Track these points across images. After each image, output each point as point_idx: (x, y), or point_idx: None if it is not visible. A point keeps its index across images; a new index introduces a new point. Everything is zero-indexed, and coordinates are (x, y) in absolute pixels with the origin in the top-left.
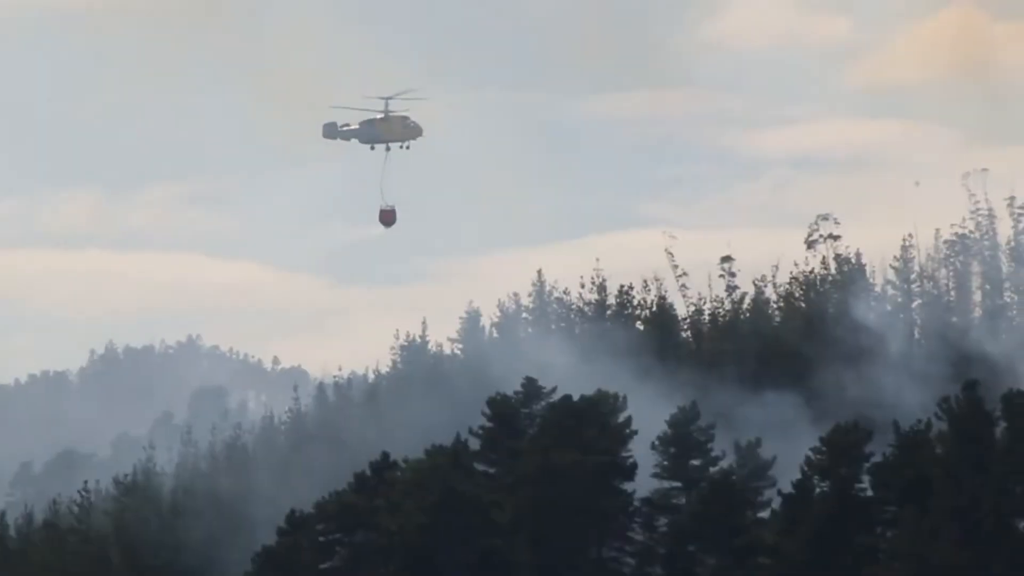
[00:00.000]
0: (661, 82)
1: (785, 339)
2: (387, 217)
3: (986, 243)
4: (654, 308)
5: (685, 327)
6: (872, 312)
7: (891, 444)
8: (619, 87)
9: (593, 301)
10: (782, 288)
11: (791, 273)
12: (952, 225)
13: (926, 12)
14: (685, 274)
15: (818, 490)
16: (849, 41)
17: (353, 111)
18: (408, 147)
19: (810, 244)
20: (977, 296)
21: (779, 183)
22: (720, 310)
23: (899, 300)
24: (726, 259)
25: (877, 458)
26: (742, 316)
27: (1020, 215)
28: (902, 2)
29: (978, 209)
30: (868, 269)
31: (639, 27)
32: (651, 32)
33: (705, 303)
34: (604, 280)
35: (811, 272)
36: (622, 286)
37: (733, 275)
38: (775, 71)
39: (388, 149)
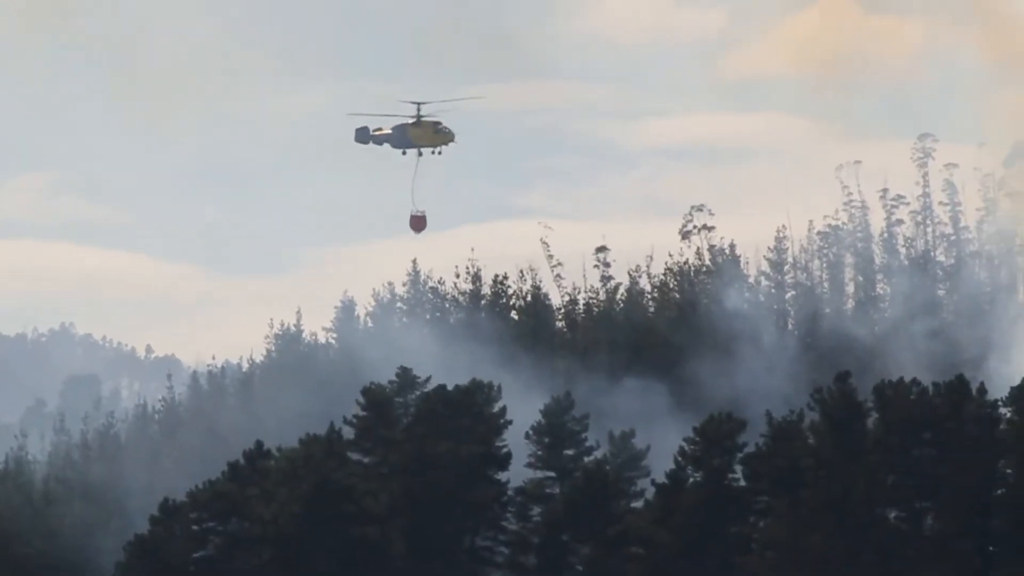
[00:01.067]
0: (536, 73)
1: (659, 329)
2: (418, 223)
3: (859, 235)
4: (528, 298)
5: (560, 317)
6: (746, 303)
7: (764, 434)
8: (493, 78)
9: (468, 291)
10: (656, 279)
11: (665, 264)
12: (825, 217)
13: (799, 5)
14: (560, 264)
15: (691, 480)
16: (723, 34)
17: (383, 117)
18: (440, 152)
19: (684, 235)
20: (850, 287)
21: (654, 174)
22: (594, 300)
23: (772, 291)
24: (601, 249)
25: (750, 448)
26: (616, 306)
27: (893, 207)
28: None
29: (851, 201)
30: (742, 260)
31: (514, 18)
32: (527, 23)
33: (579, 293)
34: (479, 270)
35: (685, 263)
36: (497, 276)
37: (608, 265)
38: (650, 63)
39: (420, 154)
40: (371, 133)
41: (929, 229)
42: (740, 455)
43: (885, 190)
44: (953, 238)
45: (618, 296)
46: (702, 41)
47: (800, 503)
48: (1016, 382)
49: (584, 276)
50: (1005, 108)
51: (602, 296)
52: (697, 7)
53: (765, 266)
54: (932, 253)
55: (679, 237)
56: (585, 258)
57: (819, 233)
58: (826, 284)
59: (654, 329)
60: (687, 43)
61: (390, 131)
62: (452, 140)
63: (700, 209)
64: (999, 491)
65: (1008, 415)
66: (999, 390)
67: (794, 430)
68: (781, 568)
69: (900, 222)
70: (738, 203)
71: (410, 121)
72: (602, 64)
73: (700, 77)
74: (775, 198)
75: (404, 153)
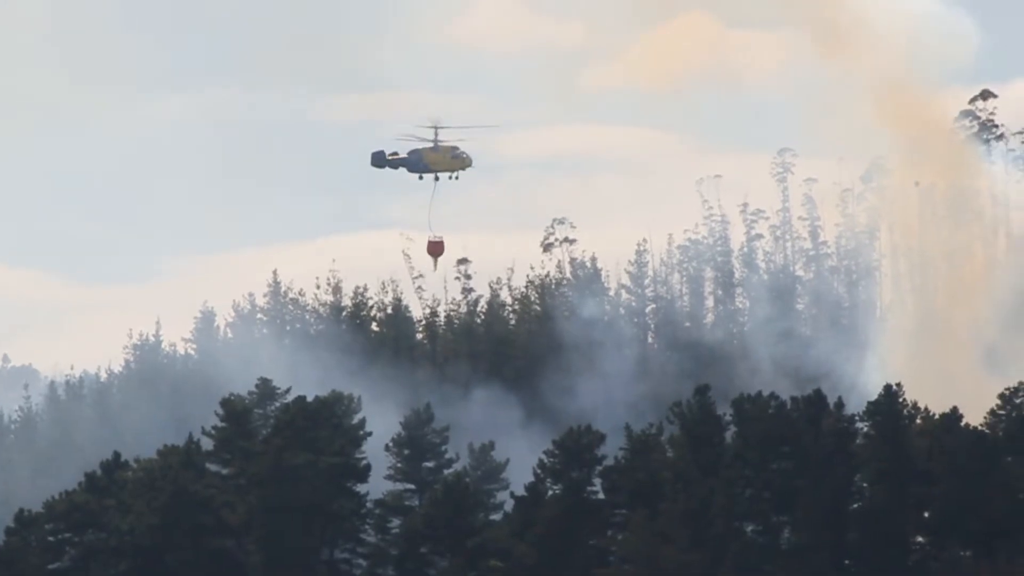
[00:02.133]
0: (399, 84)
1: (519, 342)
2: (435, 248)
3: (719, 248)
4: (389, 310)
5: (420, 329)
6: (606, 316)
7: (623, 447)
8: (357, 88)
9: (328, 302)
10: (517, 291)
11: (527, 276)
12: (685, 230)
13: (659, 19)
14: (421, 276)
15: (550, 492)
16: (583, 46)
17: (402, 141)
18: (457, 177)
19: (546, 247)
20: (710, 301)
21: (516, 187)
22: (455, 312)
23: (633, 304)
24: (462, 261)
25: (609, 461)
26: (477, 318)
27: (752, 221)
28: (637, 8)
29: (711, 215)
30: (603, 273)
31: (373, 30)
32: (385, 35)
33: (440, 305)
34: (340, 281)
35: (547, 275)
36: (357, 287)
37: (469, 277)
38: (513, 75)
39: (437, 179)
40: (387, 157)
41: (788, 243)
42: (599, 468)
43: (745, 204)
44: (812, 252)
45: (479, 308)
46: (563, 53)
47: (658, 516)
48: (873, 397)
49: (445, 288)
50: (863, 124)
51: (463, 308)
52: (556, 19)
53: (626, 279)
54: (791, 267)
55: (541, 250)
56: (446, 270)
57: (679, 247)
58: (686, 298)
59: (514, 341)
60: (548, 55)
61: (406, 155)
62: (470, 165)
63: (562, 222)
64: (855, 504)
65: (864, 429)
66: (856, 405)
67: (653, 443)
68: None
69: (760, 236)
70: (599, 216)
71: (428, 146)
72: (462, 76)
73: (561, 90)
74: (636, 212)
75: (421, 178)
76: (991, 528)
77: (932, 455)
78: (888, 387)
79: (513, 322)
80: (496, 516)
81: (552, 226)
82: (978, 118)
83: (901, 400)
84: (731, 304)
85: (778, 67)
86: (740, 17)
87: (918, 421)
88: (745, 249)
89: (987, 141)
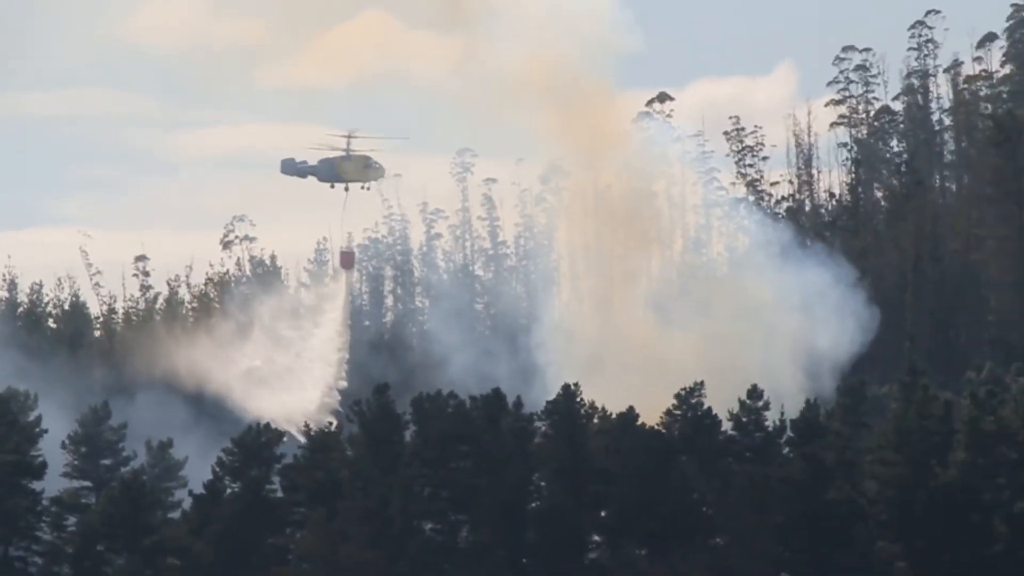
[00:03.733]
0: (72, 81)
1: (198, 340)
2: (348, 260)
3: (399, 248)
4: (66, 307)
5: (98, 326)
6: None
7: (301, 446)
8: (27, 85)
9: (3, 299)
10: (196, 288)
11: (206, 274)
12: (365, 229)
13: (338, 18)
14: (99, 273)
15: (229, 490)
16: (262, 44)
17: (313, 149)
18: (368, 188)
19: (225, 245)
20: (389, 300)
21: (195, 184)
22: (133, 310)
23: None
24: (140, 258)
25: (288, 459)
26: (155, 316)
27: (432, 221)
28: (317, 7)
29: (391, 214)
30: (283, 271)
31: (45, 24)
32: (58, 30)
33: (117, 302)
34: (15, 278)
35: (226, 273)
36: (33, 284)
37: (147, 275)
38: (192, 72)
39: (347, 189)
40: (296, 164)
41: (468, 243)
42: (278, 466)
43: (425, 204)
44: (491, 252)
45: (157, 306)
46: (241, 51)
47: (337, 514)
48: (551, 396)
49: (123, 285)
50: (542, 125)
51: (141, 305)
52: (235, 16)
53: (305, 277)
54: (471, 267)
55: (220, 247)
56: (124, 267)
57: (359, 245)
58: (365, 296)
59: (192, 340)
60: (229, 52)
61: (317, 164)
62: (382, 176)
63: (241, 220)
64: (533, 503)
65: (543, 429)
66: (534, 404)
67: (332, 441)
68: None
69: (439, 236)
70: (279, 214)
71: (339, 155)
72: (139, 73)
73: (242, 87)
74: (316, 210)
75: (332, 187)
76: (666, 527)
77: (609, 454)
78: (566, 387)
79: (192, 320)
80: (174, 514)
81: (231, 224)
82: (655, 119)
83: (579, 400)
84: (411, 303)
85: (457, 68)
86: (419, 18)
87: (595, 420)
88: (424, 248)
89: (664, 143)
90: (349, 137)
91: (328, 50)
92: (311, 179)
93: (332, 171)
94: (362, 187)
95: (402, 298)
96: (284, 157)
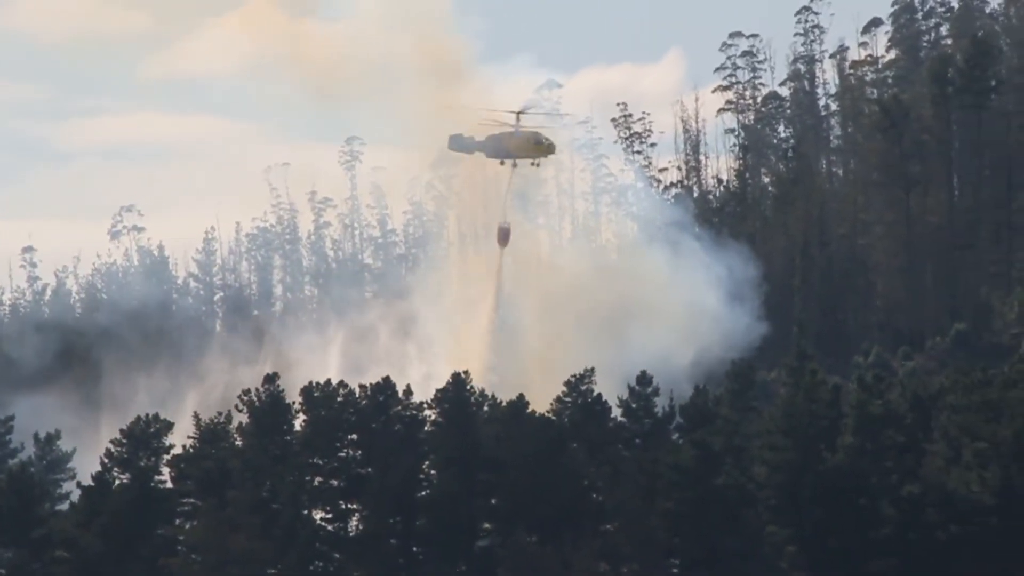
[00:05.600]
0: None
1: (86, 331)
2: (504, 236)
3: (287, 236)
4: None
5: None
6: (174, 304)
7: (191, 436)
8: None
9: None
10: (84, 279)
11: (93, 264)
12: (254, 219)
13: (225, 8)
14: None
15: (117, 482)
16: (150, 33)
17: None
18: (539, 164)
19: (113, 235)
20: (278, 289)
21: (84, 174)
22: (21, 300)
23: (202, 292)
24: (27, 249)
25: (177, 450)
26: (43, 306)
27: (321, 209)
28: None
29: (279, 203)
30: (171, 261)
31: None
32: None
33: (4, 293)
34: None
35: (113, 263)
36: None
37: (35, 265)
38: (78, 61)
39: (515, 165)
40: (464, 140)
41: (357, 232)
42: (167, 456)
43: (313, 192)
44: (380, 240)
45: (45, 296)
46: (130, 40)
47: (227, 504)
48: (440, 384)
49: (10, 276)
50: (430, 112)
51: (28, 296)
52: (123, 5)
53: (194, 267)
54: (360, 255)
55: (108, 237)
56: (11, 257)
57: (248, 234)
58: (255, 285)
59: (81, 330)
60: (115, 42)
61: (485, 140)
62: (552, 153)
63: (129, 210)
64: (423, 492)
65: (433, 417)
66: (425, 392)
67: (222, 431)
68: (206, 569)
69: (328, 224)
70: (168, 204)
71: (508, 131)
72: (27, 62)
73: (130, 76)
74: (204, 200)
75: (502, 163)
76: (556, 514)
77: (499, 442)
78: (456, 374)
79: (80, 311)
80: (62, 506)
81: (120, 214)
82: (544, 107)
83: (469, 387)
84: (300, 292)
85: (345, 56)
86: (305, 6)
87: (485, 408)
88: (313, 237)
89: (553, 130)
90: (519, 113)
91: (216, 40)
92: (478, 155)
93: (500, 147)
94: (532, 163)
95: (291, 286)
96: (453, 133)
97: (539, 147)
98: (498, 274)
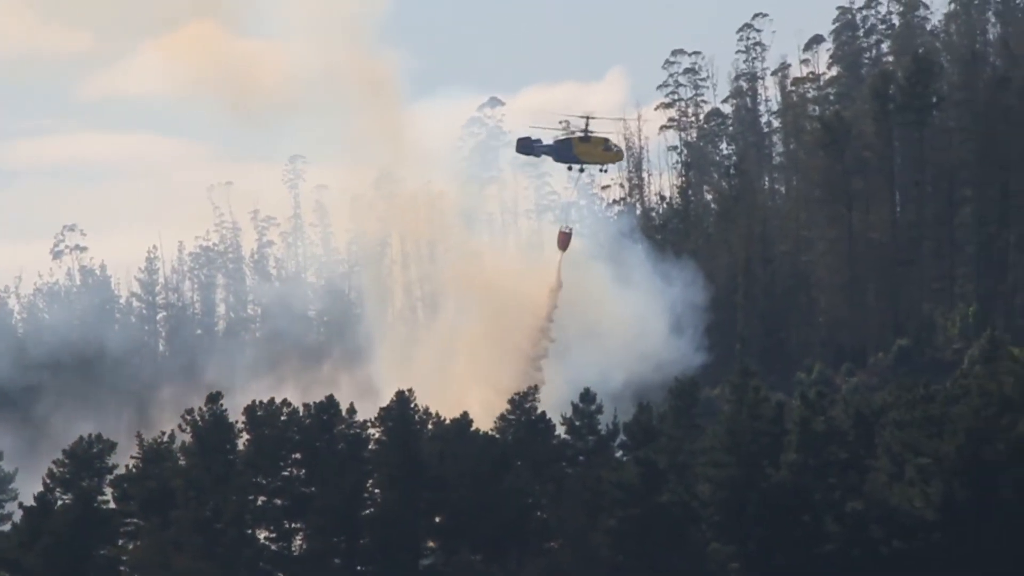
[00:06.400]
0: None
1: (27, 351)
2: (564, 240)
3: (231, 255)
4: None
5: None
6: (117, 324)
7: (134, 456)
8: None
9: None
10: (26, 299)
11: (35, 284)
12: (197, 238)
13: (168, 27)
14: None
15: (60, 502)
16: (92, 53)
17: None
18: (606, 170)
19: (56, 255)
20: (222, 308)
21: (25, 194)
22: None
23: (144, 312)
24: None
25: (120, 470)
26: None
27: (264, 228)
28: (145, 17)
29: (223, 222)
30: (114, 280)
31: None
32: None
33: None
34: None
35: (56, 283)
36: None
37: None
38: (19, 82)
39: (582, 171)
40: (532, 144)
41: (300, 250)
42: (110, 477)
43: (256, 211)
44: (324, 259)
45: None
46: (71, 60)
47: (170, 524)
48: (384, 403)
49: None
50: (373, 131)
51: None
52: (63, 25)
53: (136, 287)
54: (303, 274)
55: (50, 257)
56: None
57: (191, 254)
58: (197, 304)
59: (23, 349)
60: (55, 62)
61: (552, 144)
62: (620, 159)
63: (72, 229)
64: (367, 510)
65: (376, 435)
66: (369, 411)
67: (165, 451)
68: None
69: (271, 243)
70: (110, 224)
71: (577, 135)
72: None
73: (70, 97)
74: (147, 219)
75: (570, 168)
76: (501, 532)
77: (443, 460)
78: (400, 393)
79: (21, 331)
80: (4, 527)
81: (62, 233)
82: (486, 125)
83: (412, 406)
84: (243, 311)
85: (288, 76)
86: (248, 26)
87: (429, 426)
88: (256, 256)
89: (495, 148)
90: (588, 118)
91: (158, 59)
92: (547, 159)
93: (568, 152)
94: (600, 169)
95: (234, 306)
96: (521, 135)
97: (607, 153)
98: (558, 276)
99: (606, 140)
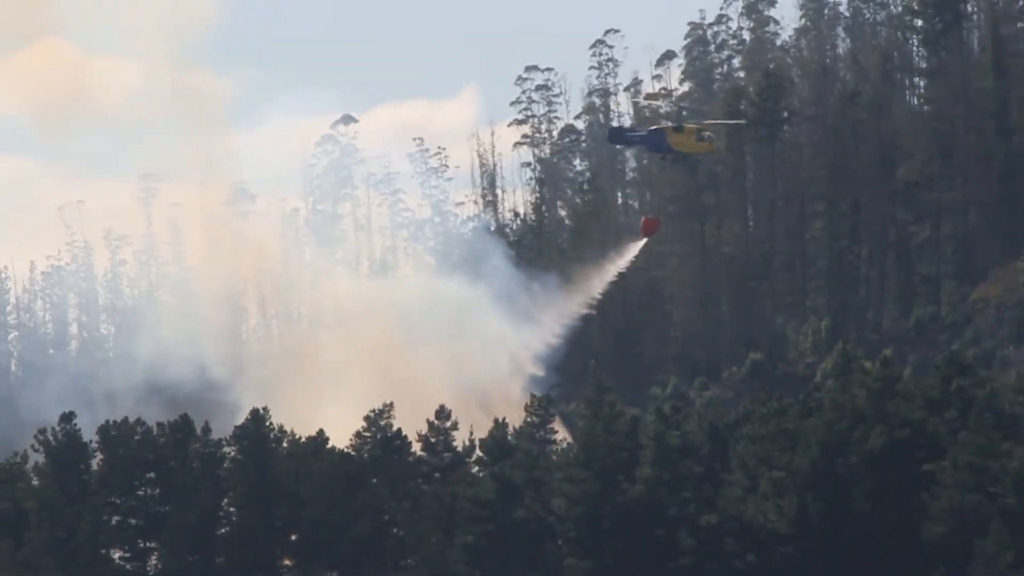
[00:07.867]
0: None
1: None
2: (650, 227)
3: (83, 275)
4: None
5: None
6: None
7: None
8: None
9: None
10: None
11: None
12: (48, 257)
13: (16, 44)
14: None
15: None
16: None
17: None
18: (701, 159)
19: None
20: (74, 328)
21: None
22: None
23: None
24: None
25: None
26: None
27: (117, 247)
28: None
29: (74, 241)
30: None
31: None
32: None
33: None
34: None
35: None
36: None
37: None
38: None
39: (676, 160)
40: (625, 133)
41: (153, 268)
42: None
43: (109, 230)
44: (178, 277)
45: None
46: None
47: (23, 545)
48: (239, 421)
49: None
50: (225, 148)
51: None
52: None
53: None
54: (156, 292)
55: None
56: None
57: (42, 273)
58: (50, 325)
59: None
60: None
61: (646, 133)
62: (713, 151)
63: None
64: (223, 529)
65: (232, 454)
66: (224, 429)
67: (18, 472)
68: None
69: (124, 262)
70: None
71: (670, 125)
72: None
73: None
74: None
75: (663, 157)
76: (357, 549)
77: (299, 478)
78: (255, 411)
79: None
80: None
81: None
82: (339, 143)
83: (268, 424)
84: (96, 330)
85: (139, 93)
86: (98, 44)
87: (285, 444)
88: (109, 275)
89: (349, 166)
90: (680, 107)
91: (9, 77)
92: (640, 148)
93: (662, 142)
94: (696, 159)
95: (87, 325)
96: (613, 125)
97: (701, 143)
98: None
99: (699, 130)
